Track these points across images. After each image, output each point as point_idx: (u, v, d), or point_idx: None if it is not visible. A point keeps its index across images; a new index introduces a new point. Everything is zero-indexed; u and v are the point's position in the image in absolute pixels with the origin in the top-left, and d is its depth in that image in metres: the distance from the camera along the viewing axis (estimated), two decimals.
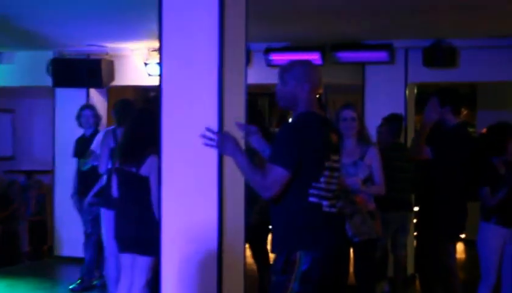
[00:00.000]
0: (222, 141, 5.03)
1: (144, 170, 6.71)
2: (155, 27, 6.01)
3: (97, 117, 10.21)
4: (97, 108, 10.65)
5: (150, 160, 6.67)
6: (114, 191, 6.97)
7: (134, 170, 6.75)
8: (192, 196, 5.84)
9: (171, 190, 5.90)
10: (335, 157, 5.04)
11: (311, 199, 4.83)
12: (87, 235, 10.00)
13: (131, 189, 6.82)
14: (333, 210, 5.00)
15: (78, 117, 10.11)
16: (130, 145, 6.91)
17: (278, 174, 4.69)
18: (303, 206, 4.83)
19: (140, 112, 7.33)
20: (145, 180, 6.68)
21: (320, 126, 4.99)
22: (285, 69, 5.06)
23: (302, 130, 4.85)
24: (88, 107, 10.36)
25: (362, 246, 7.07)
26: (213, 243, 5.75)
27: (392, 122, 9.53)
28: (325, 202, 4.90)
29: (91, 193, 9.32)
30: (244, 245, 6.43)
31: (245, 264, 6.43)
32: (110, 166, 7.95)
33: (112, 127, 8.65)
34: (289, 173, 4.68)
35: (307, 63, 5.22)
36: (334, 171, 4.98)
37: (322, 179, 4.89)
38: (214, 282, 5.75)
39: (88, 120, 10.06)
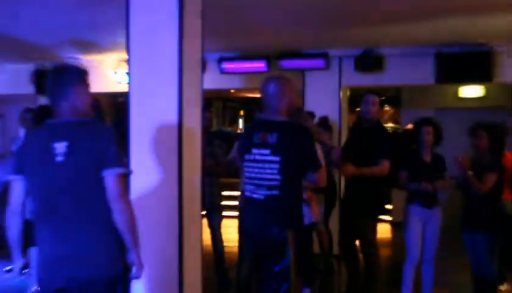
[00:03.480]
0: None
1: None
2: (123, 41, 5.95)
3: None
4: None
5: None
6: None
7: None
8: (154, 182, 5.84)
9: (139, 173, 5.72)
10: (256, 150, 5.35)
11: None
12: None
13: None
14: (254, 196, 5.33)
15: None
16: None
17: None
18: None
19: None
20: None
21: None
22: None
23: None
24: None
25: (302, 230, 6.99)
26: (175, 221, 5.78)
27: (326, 126, 9.71)
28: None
29: None
30: (201, 228, 6.46)
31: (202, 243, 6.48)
32: None
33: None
34: None
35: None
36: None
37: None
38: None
39: None
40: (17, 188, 4.21)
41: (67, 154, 4.01)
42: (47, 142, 4.06)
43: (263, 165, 5.28)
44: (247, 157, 5.43)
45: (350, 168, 7.21)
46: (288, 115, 5.45)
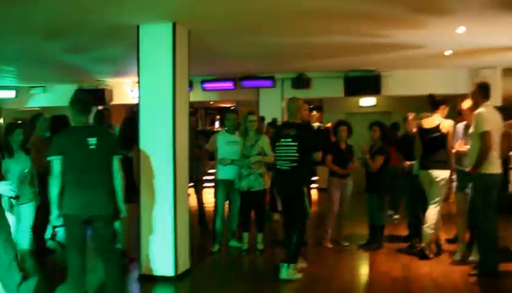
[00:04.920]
0: None
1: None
2: (135, 69, 5.92)
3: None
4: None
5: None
6: None
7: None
8: (157, 163, 5.79)
9: (146, 163, 5.83)
10: (283, 140, 5.86)
11: None
12: None
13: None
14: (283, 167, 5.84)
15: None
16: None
17: None
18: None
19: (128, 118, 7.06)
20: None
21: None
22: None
23: None
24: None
25: (257, 194, 6.98)
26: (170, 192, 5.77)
27: (274, 125, 9.59)
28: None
29: None
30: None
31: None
32: None
33: None
34: None
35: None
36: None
37: None
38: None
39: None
40: (57, 164, 4.35)
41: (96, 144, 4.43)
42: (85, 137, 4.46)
43: (287, 148, 5.75)
44: (278, 144, 5.90)
45: None
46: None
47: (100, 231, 4.47)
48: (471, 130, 5.74)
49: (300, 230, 5.77)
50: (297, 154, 5.71)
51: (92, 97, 4.78)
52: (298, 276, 5.82)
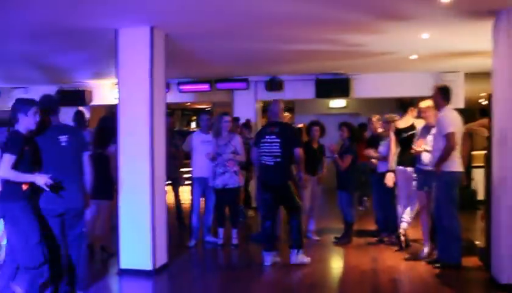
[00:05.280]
0: None
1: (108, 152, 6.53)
2: (114, 72, 6.05)
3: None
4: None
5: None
6: None
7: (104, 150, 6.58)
8: (135, 161, 5.90)
9: (126, 158, 5.97)
10: (267, 136, 6.30)
11: None
12: None
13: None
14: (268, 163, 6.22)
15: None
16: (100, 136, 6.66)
17: None
18: None
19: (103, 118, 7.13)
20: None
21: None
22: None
23: None
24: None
25: (231, 191, 7.12)
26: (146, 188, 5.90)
27: (248, 125, 9.77)
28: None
29: None
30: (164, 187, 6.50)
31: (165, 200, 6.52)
32: None
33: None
34: None
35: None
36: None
37: None
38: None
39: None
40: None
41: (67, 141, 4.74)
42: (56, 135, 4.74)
43: (271, 144, 6.19)
44: (262, 140, 6.25)
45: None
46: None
47: (71, 222, 4.78)
48: (434, 131, 6.01)
49: (299, 218, 6.29)
50: (280, 150, 6.13)
51: (56, 99, 5.08)
52: (307, 259, 6.24)
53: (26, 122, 4.43)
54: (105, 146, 6.49)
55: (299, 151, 6.20)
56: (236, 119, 9.54)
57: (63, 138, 4.71)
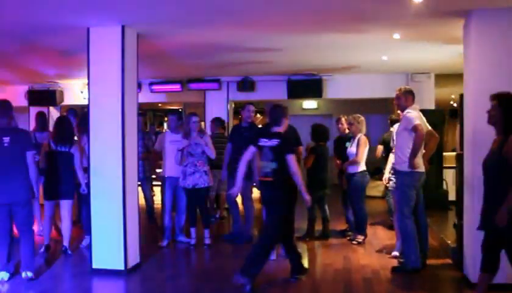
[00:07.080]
0: None
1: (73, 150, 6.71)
2: (86, 71, 6.01)
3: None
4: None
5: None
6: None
7: (66, 149, 6.69)
8: (107, 161, 5.90)
9: (97, 157, 5.94)
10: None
11: None
12: None
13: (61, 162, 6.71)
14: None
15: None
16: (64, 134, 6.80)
17: None
18: None
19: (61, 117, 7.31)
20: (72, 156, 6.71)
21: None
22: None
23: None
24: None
25: (202, 191, 7.13)
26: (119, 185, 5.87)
27: (217, 123, 9.71)
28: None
29: None
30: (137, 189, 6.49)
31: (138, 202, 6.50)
32: None
33: None
34: None
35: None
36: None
37: None
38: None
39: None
40: None
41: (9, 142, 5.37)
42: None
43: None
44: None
45: None
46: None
47: (17, 213, 5.46)
48: (397, 128, 6.06)
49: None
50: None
51: (7, 105, 5.67)
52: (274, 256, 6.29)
53: None
54: (63, 145, 6.68)
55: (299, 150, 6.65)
56: (221, 122, 9.69)
57: (6, 140, 5.34)
